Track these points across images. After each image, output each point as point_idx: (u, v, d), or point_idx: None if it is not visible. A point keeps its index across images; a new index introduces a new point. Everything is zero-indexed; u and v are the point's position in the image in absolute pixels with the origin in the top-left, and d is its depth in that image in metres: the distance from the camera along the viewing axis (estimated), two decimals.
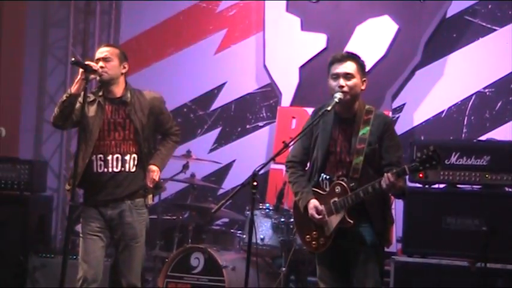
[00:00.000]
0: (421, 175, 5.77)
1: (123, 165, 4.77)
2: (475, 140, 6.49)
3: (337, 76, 4.33)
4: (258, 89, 7.79)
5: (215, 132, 7.91)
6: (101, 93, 4.81)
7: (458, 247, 5.62)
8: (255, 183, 4.15)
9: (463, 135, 7.04)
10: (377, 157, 4.32)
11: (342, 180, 4.31)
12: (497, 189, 5.75)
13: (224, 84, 7.91)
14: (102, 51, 4.82)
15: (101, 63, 4.76)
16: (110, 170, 4.76)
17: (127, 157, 4.78)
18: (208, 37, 7.99)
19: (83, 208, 4.85)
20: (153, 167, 4.82)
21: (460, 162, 5.77)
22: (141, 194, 4.83)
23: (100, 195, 4.78)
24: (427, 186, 5.91)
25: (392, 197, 4.75)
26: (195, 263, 6.07)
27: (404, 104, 7.29)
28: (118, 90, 4.83)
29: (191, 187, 6.86)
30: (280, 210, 6.18)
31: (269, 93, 7.73)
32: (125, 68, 4.85)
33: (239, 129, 7.83)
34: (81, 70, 4.63)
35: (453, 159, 5.78)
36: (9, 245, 6.62)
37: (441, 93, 7.16)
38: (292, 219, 5.65)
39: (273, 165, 7.22)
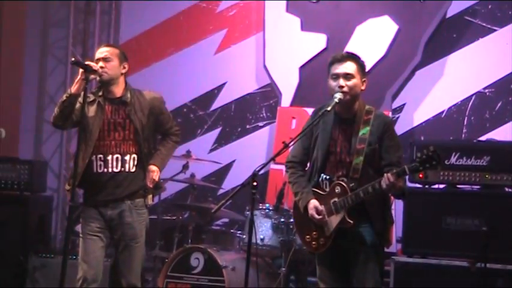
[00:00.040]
0: (421, 175, 5.77)
1: (123, 166, 4.77)
2: (475, 140, 6.48)
3: (337, 76, 4.33)
4: (258, 89, 7.79)
5: (215, 132, 7.91)
6: (100, 93, 4.81)
7: (458, 247, 5.62)
8: (255, 184, 4.15)
9: (463, 136, 7.04)
10: (377, 157, 4.32)
11: (342, 181, 4.31)
12: (497, 190, 5.74)
13: (224, 84, 7.91)
14: (102, 51, 4.82)
15: (100, 63, 4.76)
16: (110, 170, 4.76)
17: (127, 157, 4.78)
18: (208, 37, 7.99)
19: (82, 208, 4.85)
20: (153, 167, 4.82)
21: (460, 163, 5.77)
22: (141, 194, 4.83)
23: (100, 196, 4.78)
24: (427, 186, 5.91)
25: (392, 197, 4.76)
26: (195, 263, 6.06)
27: (404, 104, 7.29)
28: (118, 90, 4.83)
29: (191, 187, 6.86)
30: (280, 210, 6.17)
31: (269, 93, 7.73)
32: (124, 68, 4.85)
33: (239, 129, 7.83)
34: (81, 70, 4.63)
35: (453, 159, 5.78)
36: (9, 245, 6.62)
37: (441, 93, 7.16)
38: (292, 220, 5.65)
39: (273, 166, 7.22)
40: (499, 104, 6.98)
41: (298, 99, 7.48)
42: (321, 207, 4.31)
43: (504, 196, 5.74)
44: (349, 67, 4.33)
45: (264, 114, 7.76)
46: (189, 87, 7.99)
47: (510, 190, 5.74)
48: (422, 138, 7.06)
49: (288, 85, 7.57)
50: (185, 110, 7.95)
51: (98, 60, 4.78)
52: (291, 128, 7.36)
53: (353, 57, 4.39)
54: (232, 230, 6.85)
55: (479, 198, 5.74)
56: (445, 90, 7.15)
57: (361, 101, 4.40)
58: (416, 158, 4.15)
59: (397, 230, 5.98)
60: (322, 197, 4.35)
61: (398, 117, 7.25)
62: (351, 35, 7.36)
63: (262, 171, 4.28)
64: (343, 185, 4.30)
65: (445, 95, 7.15)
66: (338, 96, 4.29)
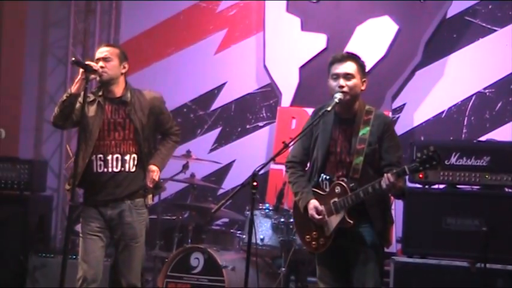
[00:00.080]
0: (421, 175, 5.77)
1: (123, 165, 4.77)
2: (475, 141, 6.48)
3: (337, 76, 4.33)
4: (258, 89, 7.79)
5: (215, 132, 7.91)
6: (100, 93, 4.81)
7: (458, 247, 5.62)
8: (255, 184, 4.15)
9: (463, 136, 7.04)
10: (377, 157, 4.32)
11: (342, 181, 4.31)
12: (497, 190, 5.74)
13: (224, 84, 7.91)
14: (102, 51, 4.82)
15: (101, 63, 4.75)
16: (110, 170, 4.76)
17: (127, 157, 4.78)
18: (208, 37, 7.99)
19: (82, 208, 4.85)
20: (153, 167, 4.82)
21: (460, 163, 5.77)
22: (141, 194, 4.83)
23: (100, 195, 4.78)
24: (427, 186, 5.91)
25: (392, 197, 4.76)
26: (195, 263, 6.06)
27: (404, 104, 7.29)
28: (118, 90, 4.83)
29: (191, 187, 6.86)
30: (280, 210, 6.17)
31: (269, 93, 7.73)
32: (124, 68, 4.85)
33: (239, 129, 7.83)
34: (81, 70, 4.63)
35: (453, 159, 5.77)
36: (9, 245, 6.62)
37: (441, 93, 7.16)
38: (292, 219, 5.65)
39: (273, 166, 7.22)
40: (499, 105, 6.98)
41: (298, 99, 7.48)
42: (321, 207, 4.31)
43: (504, 196, 5.73)
44: (349, 67, 4.33)
45: (264, 114, 7.76)
46: (189, 87, 7.98)
47: (510, 190, 5.74)
48: (422, 138, 7.06)
49: (288, 85, 7.57)
50: (185, 110, 7.95)
51: (98, 60, 4.77)
52: (291, 128, 7.36)
53: (353, 57, 4.39)
54: (232, 230, 6.84)
55: (479, 198, 5.74)
56: (445, 91, 7.15)
57: (361, 101, 4.40)
58: (416, 158, 4.15)
59: (397, 230, 5.98)
60: (322, 197, 4.35)
61: (398, 118, 7.25)
62: (351, 35, 7.36)
63: (262, 171, 4.28)
64: (343, 185, 4.29)
65: (445, 95, 7.15)
66: (338, 96, 4.29)
